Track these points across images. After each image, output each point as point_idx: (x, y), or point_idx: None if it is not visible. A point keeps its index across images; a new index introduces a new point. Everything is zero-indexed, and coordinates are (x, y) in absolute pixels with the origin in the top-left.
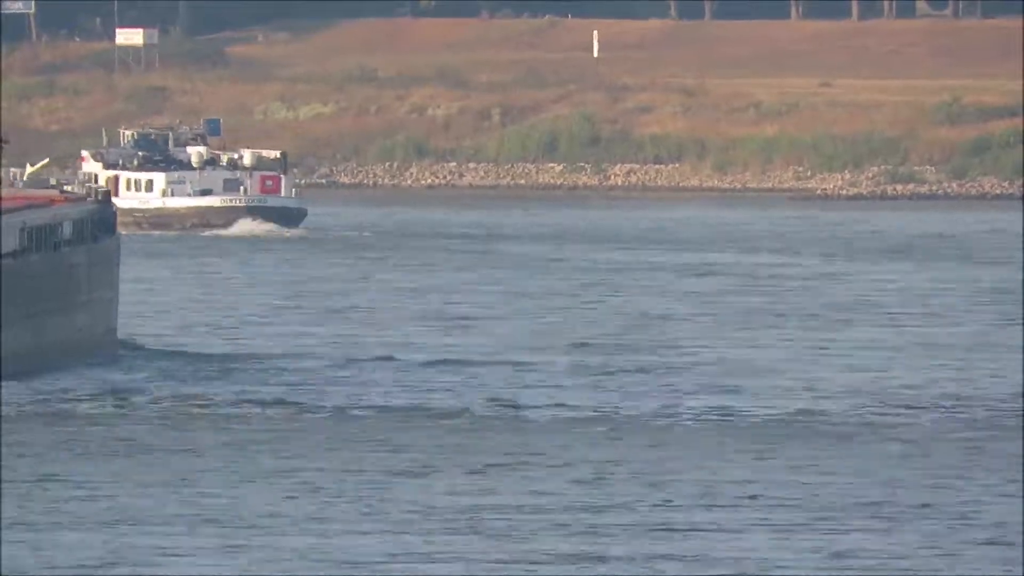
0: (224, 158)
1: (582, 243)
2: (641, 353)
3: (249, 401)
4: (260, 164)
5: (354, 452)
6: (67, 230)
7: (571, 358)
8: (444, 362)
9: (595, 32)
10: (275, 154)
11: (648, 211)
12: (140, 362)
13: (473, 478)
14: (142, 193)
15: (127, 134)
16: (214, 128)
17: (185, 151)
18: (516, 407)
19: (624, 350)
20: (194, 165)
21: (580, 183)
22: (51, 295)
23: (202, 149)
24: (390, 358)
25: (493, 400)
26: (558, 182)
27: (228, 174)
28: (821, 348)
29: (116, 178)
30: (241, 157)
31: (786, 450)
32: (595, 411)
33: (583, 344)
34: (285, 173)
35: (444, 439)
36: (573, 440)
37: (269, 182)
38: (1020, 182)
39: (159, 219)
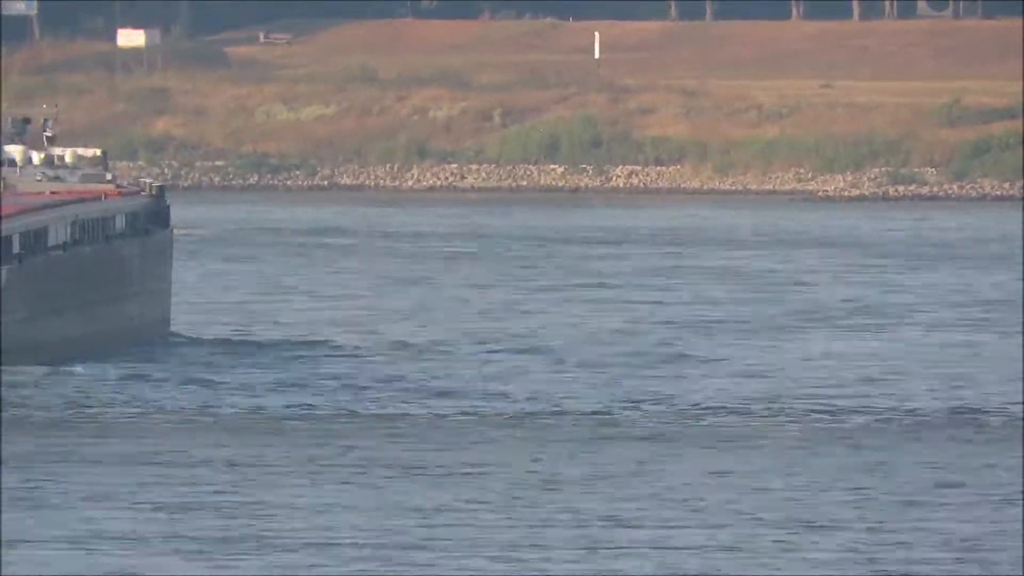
0: (39, 157)
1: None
2: None
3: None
4: (80, 163)
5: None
6: (120, 223)
7: None
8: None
9: (596, 33)
10: (95, 152)
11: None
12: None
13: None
14: None
15: None
16: (20, 128)
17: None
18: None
19: None
20: (18, 164)
21: (581, 185)
22: (102, 285)
23: (22, 148)
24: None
25: None
26: (559, 184)
27: (50, 171)
28: None
29: None
30: (62, 156)
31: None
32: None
33: None
34: (107, 171)
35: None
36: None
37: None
38: (1021, 183)
39: None
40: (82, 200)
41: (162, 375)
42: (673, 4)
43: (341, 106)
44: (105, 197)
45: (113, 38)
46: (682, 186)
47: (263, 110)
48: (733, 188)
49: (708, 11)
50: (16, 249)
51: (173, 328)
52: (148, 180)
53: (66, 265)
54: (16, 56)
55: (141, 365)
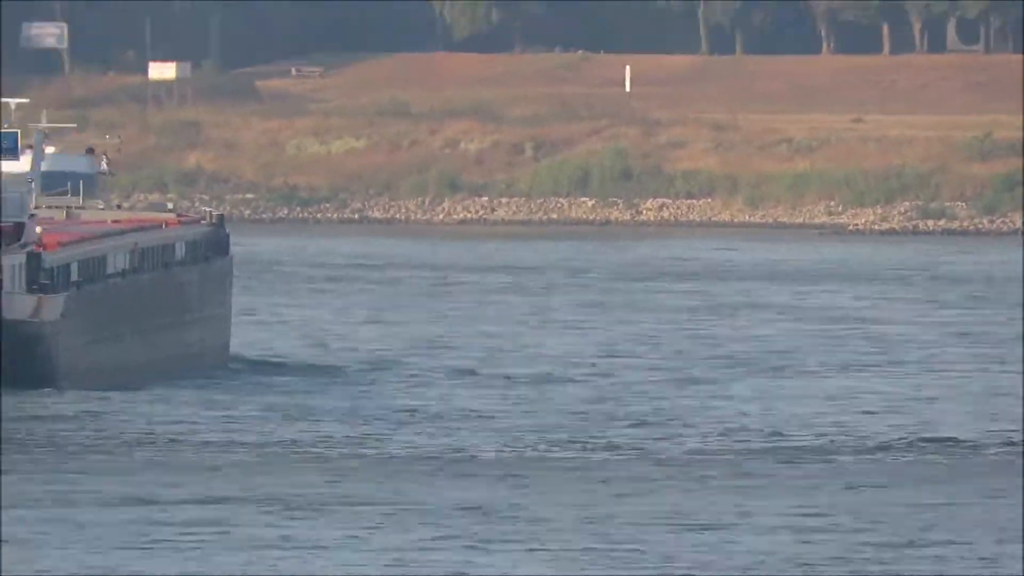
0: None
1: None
2: None
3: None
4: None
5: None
6: (179, 251)
7: None
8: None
9: (627, 67)
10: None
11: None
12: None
13: None
14: None
15: None
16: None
17: None
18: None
19: None
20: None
21: (612, 218)
22: (162, 312)
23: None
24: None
25: None
26: (590, 217)
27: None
28: None
29: None
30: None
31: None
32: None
33: None
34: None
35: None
36: None
37: None
38: None
39: None
40: (142, 228)
41: (227, 400)
42: (704, 38)
43: (372, 139)
44: (165, 225)
45: (144, 71)
46: (712, 219)
47: (294, 143)
48: (763, 221)
49: (739, 45)
50: (75, 277)
51: (233, 353)
52: (208, 209)
53: (125, 292)
54: (48, 89)
55: (206, 391)
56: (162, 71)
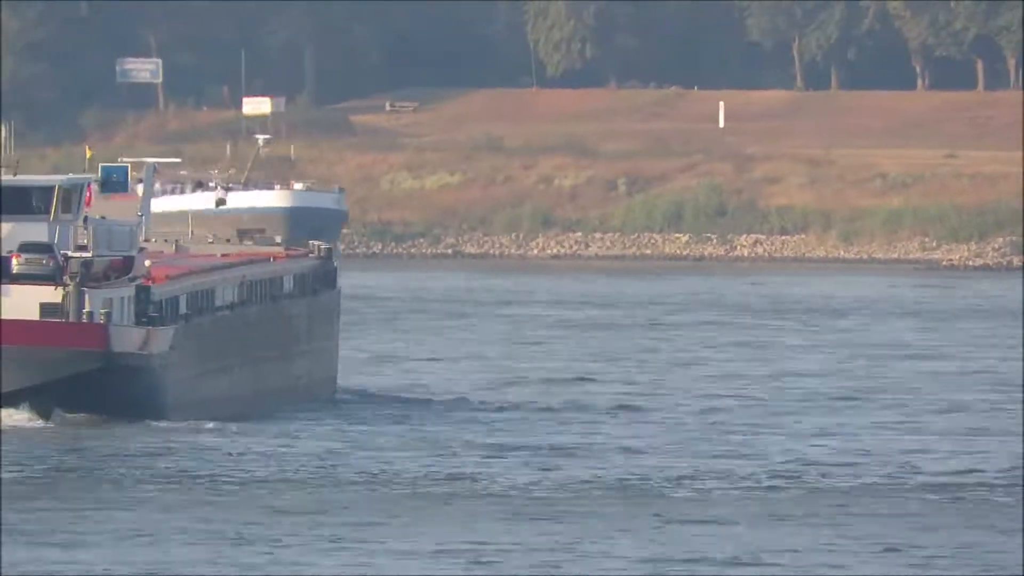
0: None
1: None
2: None
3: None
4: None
5: None
6: (287, 284)
7: None
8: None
9: (721, 102)
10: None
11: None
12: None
13: None
14: None
15: None
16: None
17: None
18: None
19: None
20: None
21: (706, 253)
22: (269, 344)
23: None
24: None
25: None
26: (684, 252)
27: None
28: None
29: None
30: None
31: None
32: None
33: None
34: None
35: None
36: None
37: None
38: None
39: None
40: (251, 262)
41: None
42: (799, 73)
43: (466, 175)
44: (273, 259)
45: (238, 106)
46: (806, 255)
47: (388, 178)
48: (858, 257)
49: (834, 80)
50: (183, 309)
51: (340, 385)
52: (316, 243)
53: (233, 324)
54: (142, 124)
55: (313, 423)
56: (257, 106)
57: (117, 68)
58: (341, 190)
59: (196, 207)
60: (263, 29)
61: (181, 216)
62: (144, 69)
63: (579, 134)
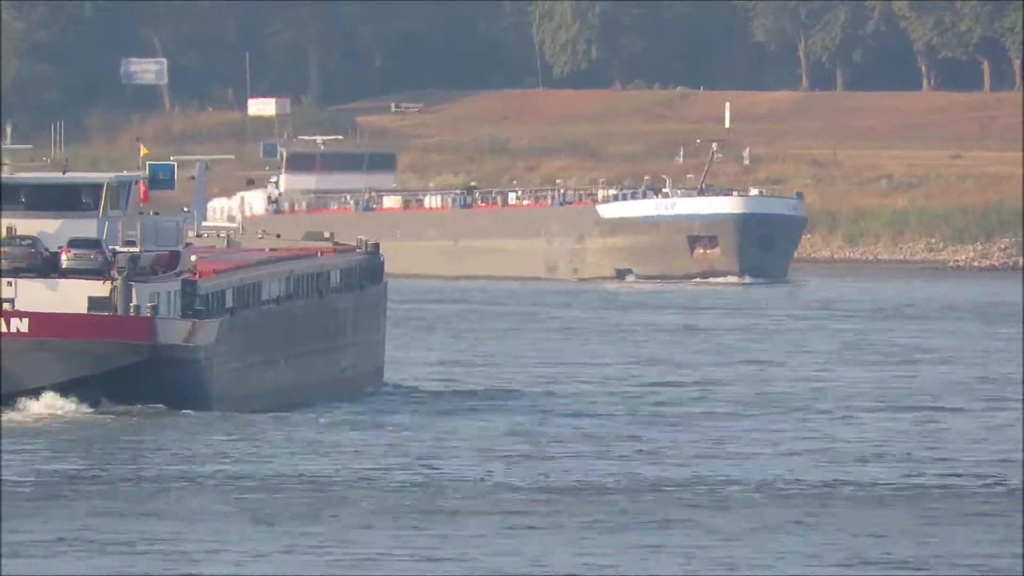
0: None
1: None
2: None
3: None
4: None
5: None
6: (334, 278)
7: None
8: None
9: (727, 103)
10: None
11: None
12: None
13: None
14: None
15: None
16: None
17: None
18: None
19: None
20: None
21: None
22: (316, 337)
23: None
24: None
25: None
26: None
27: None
28: None
29: None
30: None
31: None
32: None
33: None
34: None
35: None
36: None
37: None
38: None
39: None
40: (298, 256)
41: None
42: (804, 74)
43: (471, 175)
44: (321, 254)
45: (243, 108)
46: (812, 255)
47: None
48: (863, 257)
49: (839, 81)
50: (229, 303)
51: (386, 378)
52: (363, 237)
53: (279, 318)
54: (147, 125)
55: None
56: (262, 107)
57: (121, 69)
58: (799, 195)
59: (647, 212)
60: (268, 30)
61: (642, 219)
62: (149, 70)
63: (584, 135)
